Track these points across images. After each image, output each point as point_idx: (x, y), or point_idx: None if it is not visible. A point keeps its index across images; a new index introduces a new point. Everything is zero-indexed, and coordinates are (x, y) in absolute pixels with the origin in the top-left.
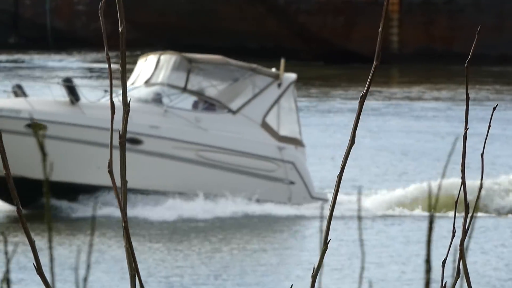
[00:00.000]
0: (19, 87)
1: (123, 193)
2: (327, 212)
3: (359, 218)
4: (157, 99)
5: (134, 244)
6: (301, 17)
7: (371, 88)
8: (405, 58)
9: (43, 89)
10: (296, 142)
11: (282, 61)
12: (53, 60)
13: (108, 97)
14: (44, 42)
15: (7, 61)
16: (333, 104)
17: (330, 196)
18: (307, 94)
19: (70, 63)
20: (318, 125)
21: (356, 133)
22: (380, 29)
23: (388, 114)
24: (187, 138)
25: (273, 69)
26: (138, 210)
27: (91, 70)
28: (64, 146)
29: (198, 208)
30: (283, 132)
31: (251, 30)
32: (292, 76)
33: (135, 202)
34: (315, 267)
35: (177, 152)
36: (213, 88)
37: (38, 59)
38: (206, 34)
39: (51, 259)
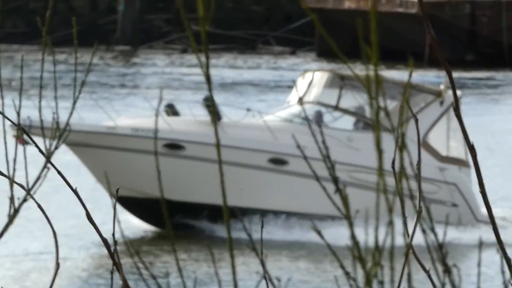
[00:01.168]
0: (170, 106)
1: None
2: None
3: None
4: (312, 118)
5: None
6: None
7: None
8: None
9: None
10: (461, 162)
11: (445, 79)
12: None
13: (249, 115)
14: (501, 59)
15: (465, 79)
16: None
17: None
18: None
19: None
20: None
21: None
22: None
23: None
24: (337, 158)
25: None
26: (296, 232)
27: None
28: (204, 167)
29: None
30: (446, 152)
31: None
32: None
33: (291, 225)
34: None
35: (326, 173)
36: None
37: (494, 77)
38: None
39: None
